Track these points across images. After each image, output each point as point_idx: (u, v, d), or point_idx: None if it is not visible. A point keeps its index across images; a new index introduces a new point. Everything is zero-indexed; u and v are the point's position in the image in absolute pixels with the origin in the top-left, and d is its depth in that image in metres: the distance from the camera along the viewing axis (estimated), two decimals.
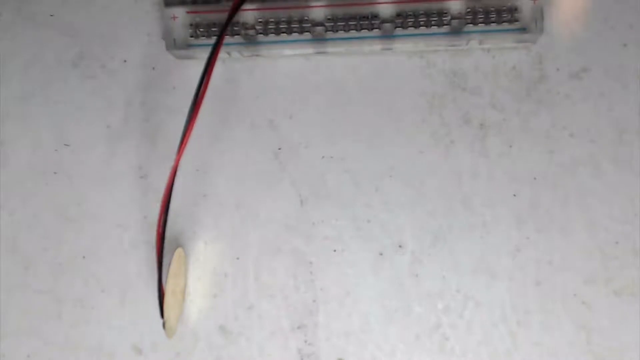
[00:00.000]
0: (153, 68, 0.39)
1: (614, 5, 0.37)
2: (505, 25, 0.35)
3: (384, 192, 0.38)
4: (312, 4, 0.36)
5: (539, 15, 0.35)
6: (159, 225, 0.35)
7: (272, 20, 0.36)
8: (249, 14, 0.36)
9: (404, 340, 0.38)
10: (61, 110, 0.39)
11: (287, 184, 0.38)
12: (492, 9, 0.35)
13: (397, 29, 0.35)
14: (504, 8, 0.35)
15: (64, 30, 0.39)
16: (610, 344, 0.37)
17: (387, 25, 0.36)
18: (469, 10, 0.35)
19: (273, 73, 0.38)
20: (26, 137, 0.39)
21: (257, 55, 0.38)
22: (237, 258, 0.39)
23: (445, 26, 0.35)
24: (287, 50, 0.37)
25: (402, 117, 0.38)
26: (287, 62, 0.38)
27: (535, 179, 0.37)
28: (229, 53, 0.37)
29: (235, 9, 0.35)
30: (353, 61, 0.38)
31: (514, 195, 0.37)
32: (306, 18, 0.36)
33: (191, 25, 0.36)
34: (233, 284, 0.38)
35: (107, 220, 0.39)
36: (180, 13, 0.36)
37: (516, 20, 0.35)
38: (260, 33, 0.36)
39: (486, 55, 0.38)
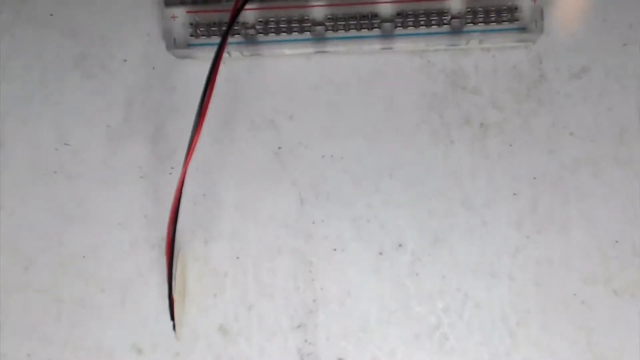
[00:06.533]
0: (153, 68, 0.39)
1: (614, 5, 0.37)
2: (506, 25, 0.35)
3: (384, 192, 0.38)
4: (312, 3, 0.36)
5: (539, 15, 0.35)
6: (168, 234, 0.35)
7: (272, 19, 0.36)
8: (249, 14, 0.36)
9: (404, 340, 0.38)
10: (61, 110, 0.39)
11: (287, 183, 0.38)
12: (492, 8, 0.35)
13: (397, 28, 0.35)
14: (504, 8, 0.35)
15: (64, 30, 0.39)
16: (610, 344, 0.37)
17: (387, 25, 0.36)
18: (469, 9, 0.35)
19: (273, 72, 0.38)
20: (26, 137, 0.39)
21: (257, 55, 0.38)
22: (237, 258, 0.39)
23: (445, 26, 0.35)
24: (287, 50, 0.37)
25: (402, 117, 0.38)
26: (288, 62, 0.38)
27: (535, 178, 0.37)
28: (229, 53, 0.37)
29: (237, 12, 0.35)
30: (353, 61, 0.38)
31: (514, 195, 0.37)
32: (306, 17, 0.36)
33: (191, 24, 0.36)
34: (233, 283, 0.38)
35: (107, 220, 0.39)
36: (180, 13, 0.36)
37: (516, 20, 0.35)
38: (261, 32, 0.36)
39: (486, 54, 0.38)
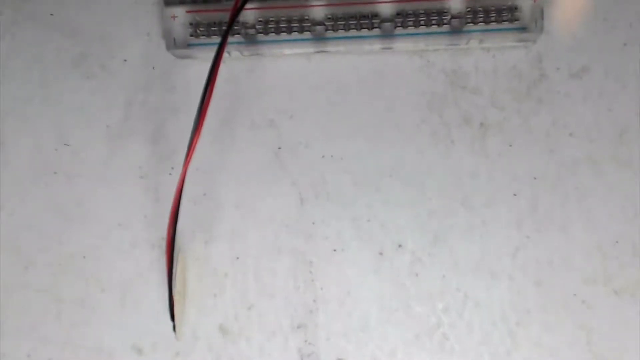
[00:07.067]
0: (153, 68, 0.39)
1: (614, 5, 0.37)
2: (506, 25, 0.35)
3: (384, 191, 0.38)
4: (312, 3, 0.36)
5: (539, 15, 0.35)
6: (168, 234, 0.36)
7: (272, 19, 0.36)
8: (249, 13, 0.36)
9: (404, 340, 0.38)
10: (61, 110, 0.39)
11: (287, 183, 0.38)
12: (492, 8, 0.35)
13: (397, 28, 0.35)
14: (504, 7, 0.35)
15: (64, 30, 0.39)
16: (610, 344, 0.37)
17: (387, 25, 0.36)
18: (469, 9, 0.35)
19: (273, 72, 0.38)
20: (26, 137, 0.39)
21: (257, 55, 0.38)
22: (237, 258, 0.39)
23: (445, 25, 0.35)
24: (287, 50, 0.37)
25: (402, 117, 0.38)
26: (288, 62, 0.38)
27: (535, 178, 0.37)
28: (229, 52, 0.37)
29: (237, 12, 0.35)
30: (353, 60, 0.38)
31: (514, 195, 0.37)
32: (306, 17, 0.36)
33: (191, 24, 0.36)
34: (233, 284, 0.38)
35: (107, 219, 0.39)
36: (180, 12, 0.36)
37: (516, 20, 0.35)
38: (261, 32, 0.36)
39: (486, 54, 0.38)
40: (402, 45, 0.36)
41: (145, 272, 0.39)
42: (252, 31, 0.36)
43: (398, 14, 0.35)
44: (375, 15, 0.35)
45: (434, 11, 0.35)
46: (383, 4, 0.35)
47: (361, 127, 0.38)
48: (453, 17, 0.35)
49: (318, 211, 0.38)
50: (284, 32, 0.36)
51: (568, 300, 0.37)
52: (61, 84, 0.39)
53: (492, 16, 0.35)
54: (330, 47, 0.36)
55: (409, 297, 0.38)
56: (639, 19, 0.37)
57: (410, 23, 0.35)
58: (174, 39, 0.37)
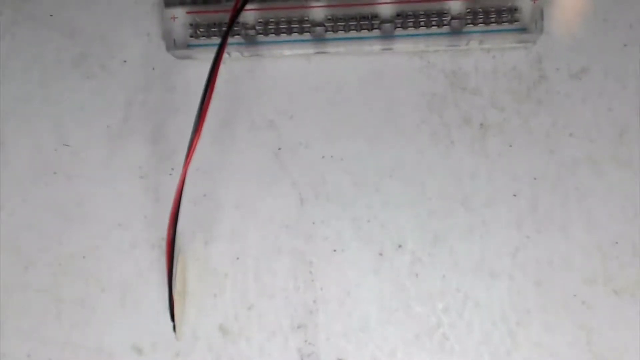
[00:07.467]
0: (153, 68, 0.39)
1: (614, 5, 0.37)
2: (505, 26, 0.35)
3: (384, 192, 0.38)
4: (312, 4, 0.36)
5: (539, 15, 0.35)
6: (168, 234, 0.36)
7: (272, 20, 0.36)
8: (249, 14, 0.36)
9: (404, 340, 0.38)
10: (61, 110, 0.39)
11: (287, 184, 0.38)
12: (492, 9, 0.35)
13: (397, 29, 0.35)
14: (504, 8, 0.35)
15: (64, 30, 0.39)
16: (610, 344, 0.37)
17: (387, 26, 0.36)
18: (468, 10, 0.35)
19: (273, 73, 0.38)
20: (26, 137, 0.39)
21: (257, 56, 0.38)
22: (237, 258, 0.39)
23: (445, 26, 0.35)
24: (287, 51, 0.37)
25: (402, 117, 0.38)
26: (287, 62, 0.38)
27: (535, 179, 0.37)
28: (229, 53, 0.37)
29: (237, 12, 0.34)
30: (353, 61, 0.38)
31: (514, 195, 0.37)
32: (306, 18, 0.36)
33: (191, 25, 0.36)
34: (233, 284, 0.38)
35: (107, 220, 0.39)
36: (180, 13, 0.36)
37: (516, 21, 0.35)
38: (261, 33, 0.36)
39: (486, 55, 0.38)
40: (402, 46, 0.36)
41: (145, 272, 0.39)
42: (252, 32, 0.36)
43: (398, 15, 0.35)
44: (375, 16, 0.35)
45: (434, 12, 0.35)
46: (383, 5, 0.35)
47: (361, 127, 0.38)
48: (453, 18, 0.35)
49: (318, 211, 0.38)
50: (283, 33, 0.36)
51: (568, 300, 0.37)
52: (61, 84, 0.39)
53: (492, 17, 0.35)
54: (330, 48, 0.36)
55: (409, 297, 0.38)
56: (639, 19, 0.37)
57: (410, 24, 0.35)
58: (174, 40, 0.37)
